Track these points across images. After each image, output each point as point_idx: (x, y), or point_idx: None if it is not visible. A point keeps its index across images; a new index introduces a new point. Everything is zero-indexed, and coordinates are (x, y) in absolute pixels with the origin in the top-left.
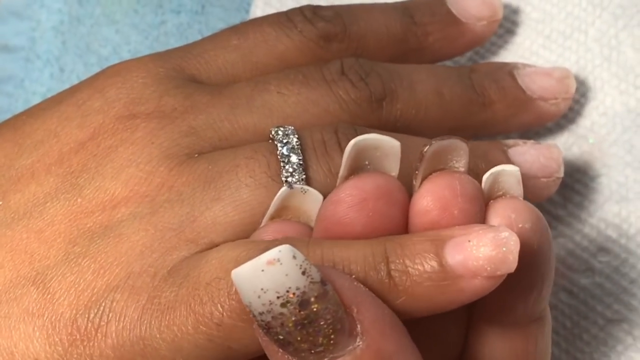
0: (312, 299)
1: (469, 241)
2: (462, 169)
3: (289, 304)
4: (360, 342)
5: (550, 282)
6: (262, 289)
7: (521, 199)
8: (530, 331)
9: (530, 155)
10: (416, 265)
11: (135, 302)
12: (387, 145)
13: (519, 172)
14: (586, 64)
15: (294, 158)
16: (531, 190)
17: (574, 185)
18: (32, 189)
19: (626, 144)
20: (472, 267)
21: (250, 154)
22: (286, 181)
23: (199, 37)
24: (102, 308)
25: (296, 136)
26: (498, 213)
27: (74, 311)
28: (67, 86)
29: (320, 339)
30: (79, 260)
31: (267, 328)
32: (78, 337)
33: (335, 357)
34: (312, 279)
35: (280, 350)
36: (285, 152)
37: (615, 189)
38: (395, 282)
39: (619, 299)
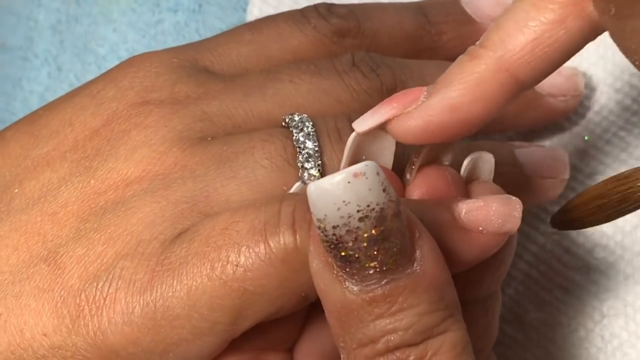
0: (389, 216)
1: (478, 199)
2: (447, 163)
3: (367, 219)
4: (418, 267)
5: (512, 255)
6: (344, 201)
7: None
8: (488, 304)
9: (537, 156)
10: (427, 208)
11: (145, 267)
12: (384, 139)
13: (493, 160)
14: (581, 62)
15: (309, 144)
16: (538, 191)
17: (569, 182)
18: (47, 175)
19: (621, 142)
20: (482, 219)
21: (265, 137)
22: (302, 167)
23: (196, 36)
24: (111, 276)
25: (311, 123)
26: (478, 195)
27: (83, 282)
28: (64, 85)
29: (388, 257)
30: (90, 234)
31: (337, 243)
32: (86, 307)
33: (395, 278)
34: (390, 197)
35: (339, 270)
36: (301, 139)
37: None
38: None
39: (615, 295)
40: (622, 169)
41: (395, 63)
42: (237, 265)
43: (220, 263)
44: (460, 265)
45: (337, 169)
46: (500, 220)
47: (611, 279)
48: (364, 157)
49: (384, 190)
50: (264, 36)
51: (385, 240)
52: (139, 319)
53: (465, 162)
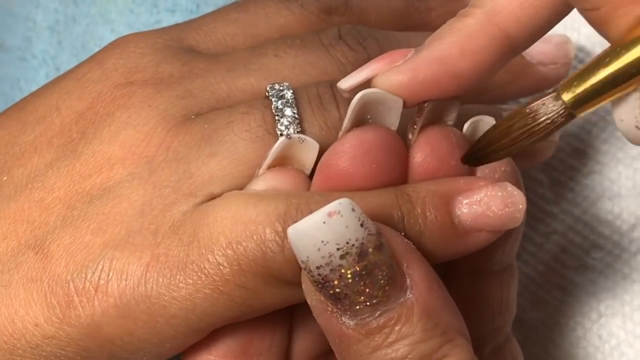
0: (370, 250)
1: (479, 199)
2: (450, 123)
3: (348, 255)
4: (410, 295)
5: (523, 225)
6: (322, 242)
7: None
8: (503, 278)
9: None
10: (427, 219)
11: (137, 260)
12: (391, 100)
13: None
14: (577, 62)
15: (288, 111)
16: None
17: (567, 182)
18: (34, 161)
19: (618, 141)
20: (482, 223)
21: (245, 110)
22: (281, 134)
23: None
24: (100, 267)
25: (291, 91)
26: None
27: (70, 272)
28: None
29: (376, 290)
30: (77, 222)
31: (324, 282)
32: (76, 298)
33: (387, 309)
34: (369, 231)
35: (333, 307)
36: (280, 106)
37: (608, 185)
38: (405, 235)
39: (613, 295)
40: (619, 167)
41: (382, 35)
42: (242, 287)
43: (222, 281)
44: (451, 258)
45: (317, 135)
46: (500, 223)
47: (609, 279)
48: (368, 117)
49: (361, 225)
50: (251, 14)
51: (370, 275)
52: (134, 313)
53: (466, 126)
